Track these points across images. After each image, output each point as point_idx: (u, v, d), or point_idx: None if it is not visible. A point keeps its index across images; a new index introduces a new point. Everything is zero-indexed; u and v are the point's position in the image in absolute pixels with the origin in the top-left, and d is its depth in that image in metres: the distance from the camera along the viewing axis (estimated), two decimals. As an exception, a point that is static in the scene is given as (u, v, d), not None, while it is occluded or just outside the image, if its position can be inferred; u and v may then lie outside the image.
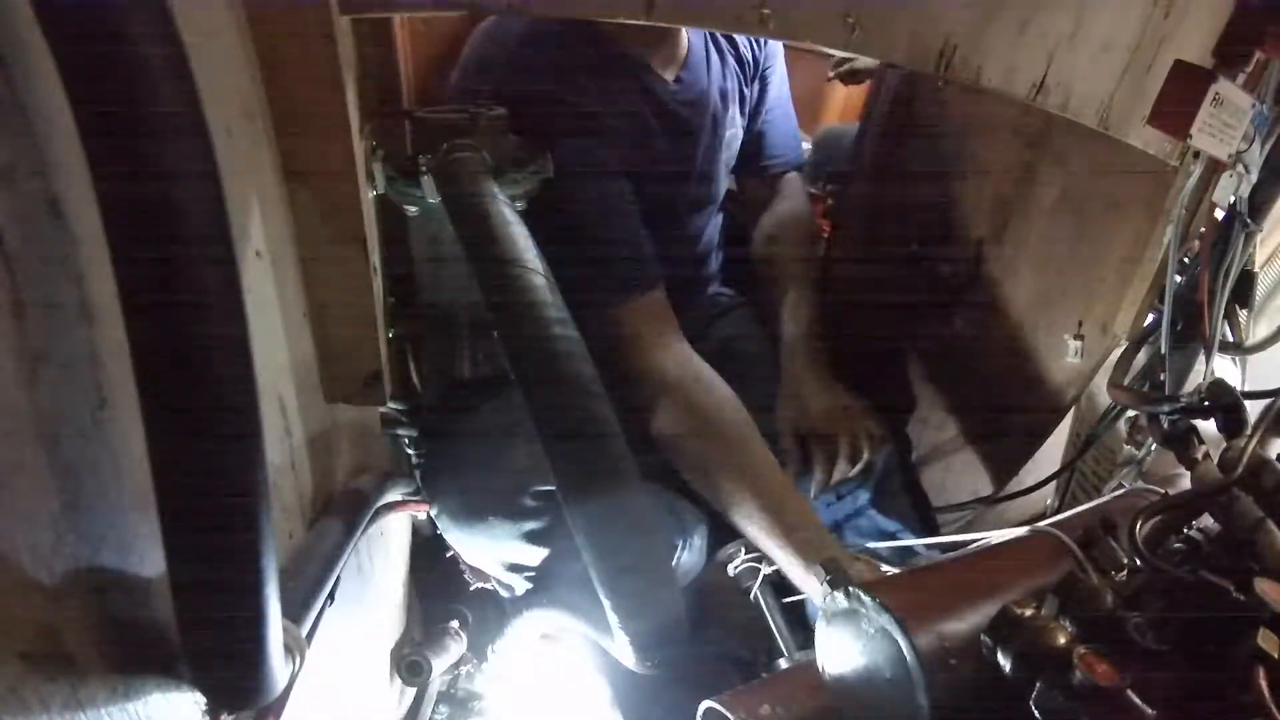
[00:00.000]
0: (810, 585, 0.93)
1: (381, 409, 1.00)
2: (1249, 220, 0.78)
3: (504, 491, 1.00)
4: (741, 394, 1.09)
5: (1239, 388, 0.78)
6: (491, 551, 1.05)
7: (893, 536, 1.16)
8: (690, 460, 1.04)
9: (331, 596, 0.77)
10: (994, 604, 0.56)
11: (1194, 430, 0.78)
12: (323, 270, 0.78)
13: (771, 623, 1.02)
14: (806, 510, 1.00)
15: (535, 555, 1.03)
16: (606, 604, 0.81)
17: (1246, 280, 0.82)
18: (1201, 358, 0.81)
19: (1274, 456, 0.66)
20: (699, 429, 1.03)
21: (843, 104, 2.16)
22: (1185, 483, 0.78)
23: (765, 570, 1.19)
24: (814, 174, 1.63)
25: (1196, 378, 0.82)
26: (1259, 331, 0.85)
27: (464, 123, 0.86)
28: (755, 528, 0.98)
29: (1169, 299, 0.83)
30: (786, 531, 0.95)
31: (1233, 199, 0.77)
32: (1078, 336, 1.06)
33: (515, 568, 1.06)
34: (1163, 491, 0.79)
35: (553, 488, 0.97)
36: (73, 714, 0.42)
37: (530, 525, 1.01)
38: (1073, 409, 1.12)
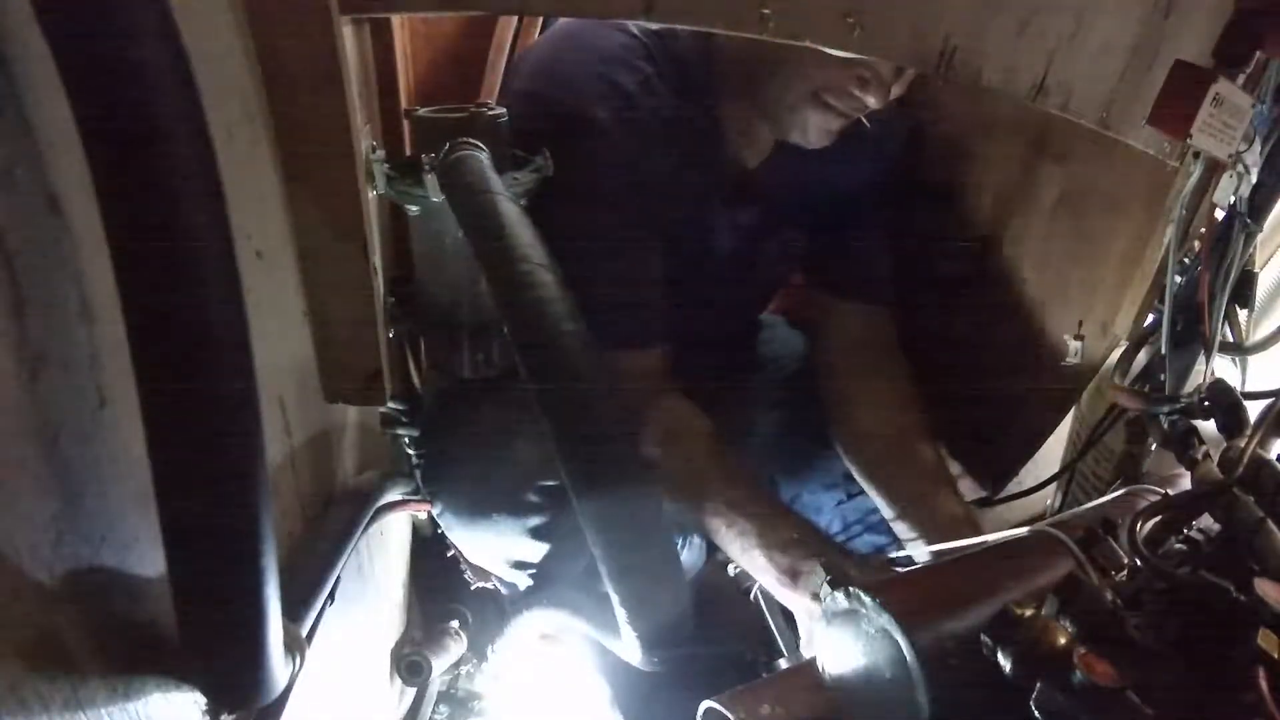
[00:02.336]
0: (797, 602, 0.92)
1: (381, 409, 1.00)
2: (1249, 220, 0.78)
3: (507, 487, 1.00)
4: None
5: (1239, 388, 0.78)
6: (495, 547, 1.06)
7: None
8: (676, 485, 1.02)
9: (331, 596, 0.77)
10: (994, 604, 0.56)
11: (1194, 430, 0.78)
12: (323, 270, 0.78)
13: (771, 623, 1.02)
14: (795, 527, 0.97)
15: (538, 551, 1.03)
16: (614, 600, 0.81)
17: (1246, 280, 0.82)
18: (1201, 358, 0.81)
19: (1274, 456, 0.67)
20: (681, 470, 1.01)
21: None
22: (1185, 483, 0.78)
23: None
24: None
25: (1196, 378, 0.82)
26: (1259, 331, 0.85)
27: (464, 122, 0.85)
28: (739, 549, 0.97)
29: (1169, 299, 0.83)
30: (773, 550, 0.93)
31: (1233, 199, 0.77)
32: (1078, 336, 1.06)
33: (519, 564, 1.06)
34: (1163, 491, 0.79)
35: (556, 483, 0.97)
36: (73, 714, 0.42)
37: (534, 520, 1.01)
38: (1073, 409, 1.12)
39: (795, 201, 1.18)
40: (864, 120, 1.02)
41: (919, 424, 1.17)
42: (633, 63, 1.00)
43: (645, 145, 1.00)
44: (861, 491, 1.22)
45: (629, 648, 0.86)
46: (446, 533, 1.08)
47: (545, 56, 1.05)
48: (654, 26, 1.01)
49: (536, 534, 1.02)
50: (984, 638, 0.54)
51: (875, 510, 1.20)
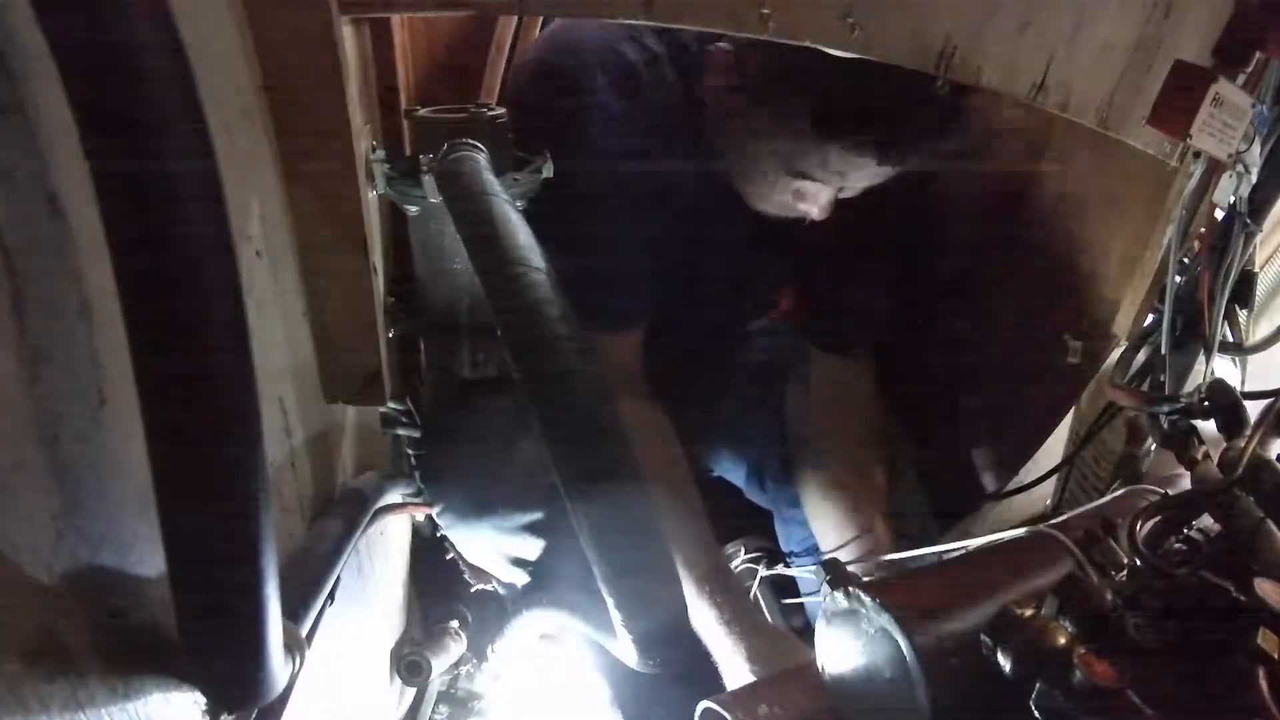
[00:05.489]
0: (725, 658, 0.94)
1: (381, 409, 1.00)
2: (1249, 220, 0.78)
3: (507, 486, 1.00)
4: None
5: (1239, 388, 0.78)
6: (494, 546, 1.06)
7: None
8: None
9: (331, 596, 0.77)
10: (994, 604, 0.56)
11: (1194, 430, 0.78)
12: (323, 270, 0.78)
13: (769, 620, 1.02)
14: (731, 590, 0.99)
15: (536, 548, 1.03)
16: (609, 602, 0.81)
17: (1246, 280, 0.82)
18: (1201, 358, 0.81)
19: (1274, 456, 0.66)
20: None
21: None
22: (1185, 483, 0.78)
23: (764, 571, 1.19)
24: None
25: (1196, 378, 0.82)
26: (1259, 331, 0.85)
27: (464, 122, 0.85)
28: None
29: (1169, 299, 0.83)
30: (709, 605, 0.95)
31: (1233, 199, 0.77)
32: (1078, 336, 1.06)
33: (518, 562, 1.06)
34: (1163, 491, 0.79)
35: (555, 484, 0.97)
36: (73, 714, 0.42)
37: (533, 517, 1.01)
38: (1073, 409, 1.12)
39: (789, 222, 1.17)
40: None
41: (865, 488, 1.20)
42: (640, 40, 1.01)
43: (647, 120, 0.99)
44: None
45: (625, 649, 0.86)
46: (446, 532, 1.08)
47: (553, 31, 1.06)
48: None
49: (535, 531, 1.02)
50: (984, 638, 0.54)
51: None
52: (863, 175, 1.00)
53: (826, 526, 1.20)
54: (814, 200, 1.02)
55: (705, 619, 0.99)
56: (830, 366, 1.26)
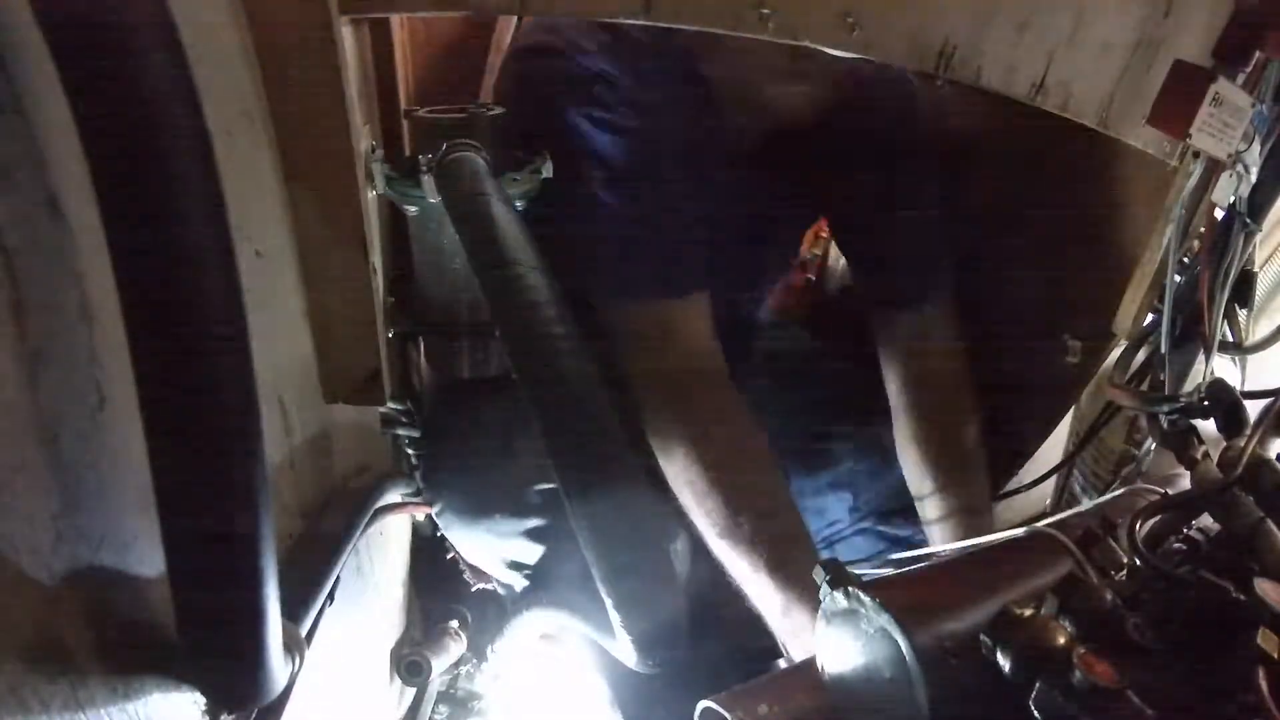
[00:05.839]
0: (789, 636, 0.91)
1: (381, 409, 1.00)
2: (1249, 220, 0.78)
3: (507, 488, 1.00)
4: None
5: (1239, 387, 0.78)
6: (494, 548, 1.06)
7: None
8: (688, 475, 0.98)
9: (331, 596, 0.77)
10: (994, 604, 0.56)
11: (1194, 430, 0.78)
12: (323, 270, 0.78)
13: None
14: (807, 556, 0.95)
15: (535, 552, 1.03)
16: (608, 603, 0.81)
17: (1246, 280, 0.82)
18: (1201, 357, 0.81)
19: (1274, 456, 0.66)
20: (707, 451, 0.97)
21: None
22: (1185, 483, 0.78)
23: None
24: None
25: (1196, 377, 0.82)
26: (1259, 331, 0.85)
27: (463, 122, 0.86)
28: (746, 565, 0.94)
29: (1169, 299, 0.83)
30: (784, 582, 0.91)
31: (1233, 199, 0.77)
32: (1078, 336, 1.06)
33: (516, 565, 1.06)
34: (1163, 491, 0.79)
35: (555, 486, 0.97)
36: (73, 714, 0.42)
37: (533, 522, 1.01)
38: (1072, 409, 1.12)
39: (811, 160, 1.14)
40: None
41: (969, 408, 1.18)
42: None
43: (644, 80, 0.97)
44: (867, 494, 1.22)
45: (624, 649, 0.86)
46: (445, 532, 1.08)
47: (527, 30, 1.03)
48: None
49: (534, 536, 1.02)
50: (983, 638, 0.54)
51: (877, 514, 1.20)
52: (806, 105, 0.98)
53: (917, 476, 1.18)
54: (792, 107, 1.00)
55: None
56: (908, 322, 1.22)
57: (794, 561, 0.92)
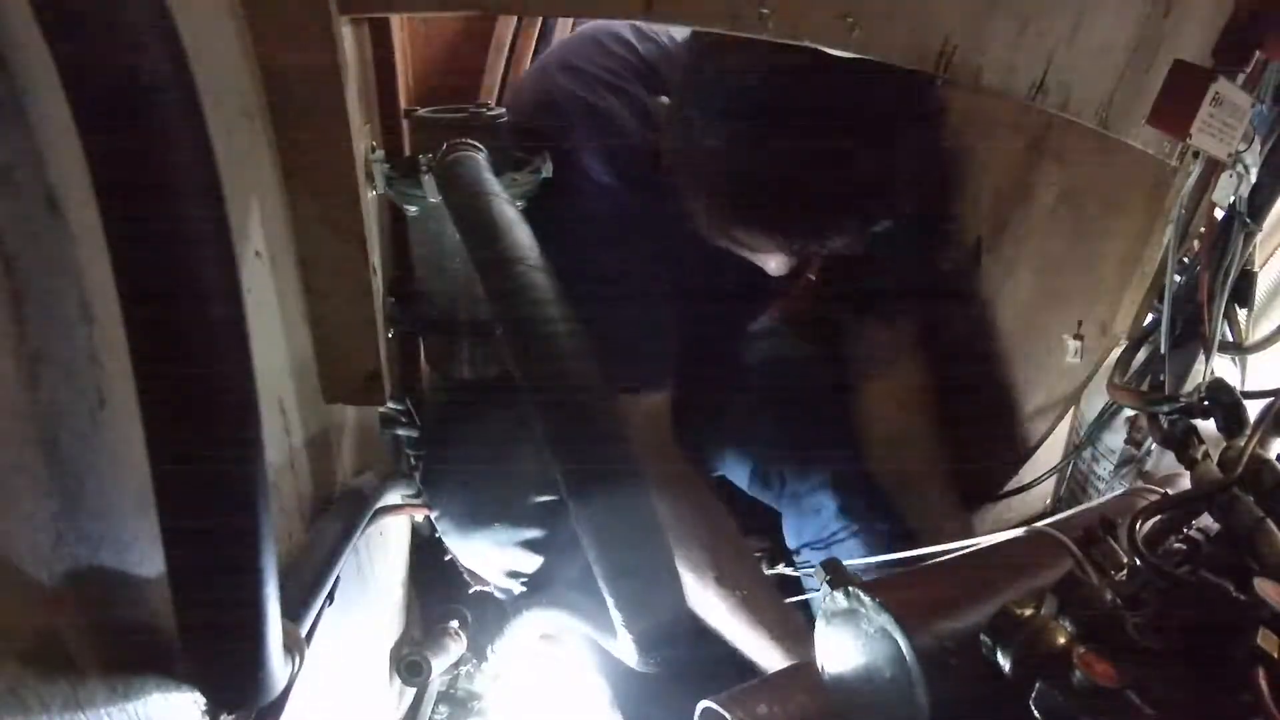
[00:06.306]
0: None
1: (381, 409, 1.00)
2: (1249, 220, 0.78)
3: (506, 497, 1.00)
4: None
5: (1239, 387, 0.78)
6: (491, 557, 1.06)
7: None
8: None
9: (331, 596, 0.77)
10: (994, 604, 0.56)
11: (1194, 430, 0.78)
12: (322, 270, 0.78)
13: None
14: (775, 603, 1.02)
15: (532, 562, 1.03)
16: (609, 602, 0.81)
17: (1246, 280, 0.82)
18: (1201, 357, 0.81)
19: (1274, 456, 0.67)
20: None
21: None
22: (1185, 483, 0.78)
23: (765, 570, 1.19)
24: None
25: (1196, 377, 0.82)
26: (1259, 331, 0.85)
27: (463, 122, 0.86)
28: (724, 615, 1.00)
29: (1168, 299, 0.83)
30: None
31: (1232, 199, 0.77)
32: (1078, 336, 1.06)
33: (513, 574, 1.06)
34: (1163, 491, 0.79)
35: (553, 498, 0.98)
36: (73, 714, 0.42)
37: (531, 533, 1.01)
38: (1072, 409, 1.12)
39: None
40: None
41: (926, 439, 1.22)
42: (625, 90, 0.99)
43: (634, 181, 0.98)
44: (857, 495, 1.22)
45: (625, 649, 0.86)
46: (443, 537, 1.08)
47: (536, 77, 1.05)
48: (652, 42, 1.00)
49: (532, 546, 1.02)
50: (983, 638, 0.54)
51: (865, 516, 1.21)
52: (782, 261, 0.99)
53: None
54: (763, 262, 1.01)
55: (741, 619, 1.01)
56: (874, 332, 1.26)
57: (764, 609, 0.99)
